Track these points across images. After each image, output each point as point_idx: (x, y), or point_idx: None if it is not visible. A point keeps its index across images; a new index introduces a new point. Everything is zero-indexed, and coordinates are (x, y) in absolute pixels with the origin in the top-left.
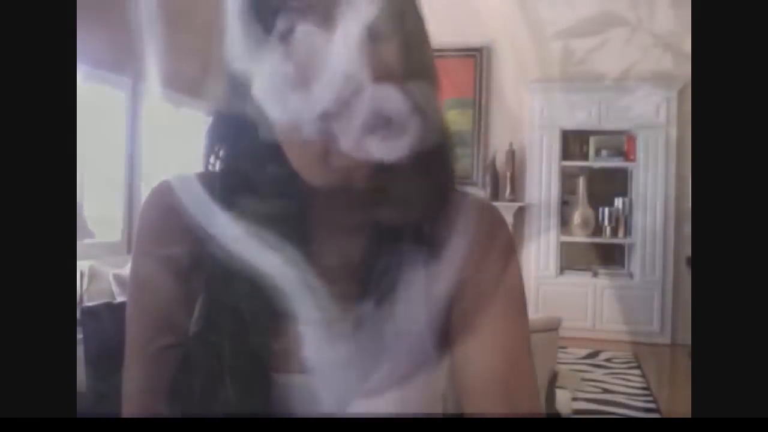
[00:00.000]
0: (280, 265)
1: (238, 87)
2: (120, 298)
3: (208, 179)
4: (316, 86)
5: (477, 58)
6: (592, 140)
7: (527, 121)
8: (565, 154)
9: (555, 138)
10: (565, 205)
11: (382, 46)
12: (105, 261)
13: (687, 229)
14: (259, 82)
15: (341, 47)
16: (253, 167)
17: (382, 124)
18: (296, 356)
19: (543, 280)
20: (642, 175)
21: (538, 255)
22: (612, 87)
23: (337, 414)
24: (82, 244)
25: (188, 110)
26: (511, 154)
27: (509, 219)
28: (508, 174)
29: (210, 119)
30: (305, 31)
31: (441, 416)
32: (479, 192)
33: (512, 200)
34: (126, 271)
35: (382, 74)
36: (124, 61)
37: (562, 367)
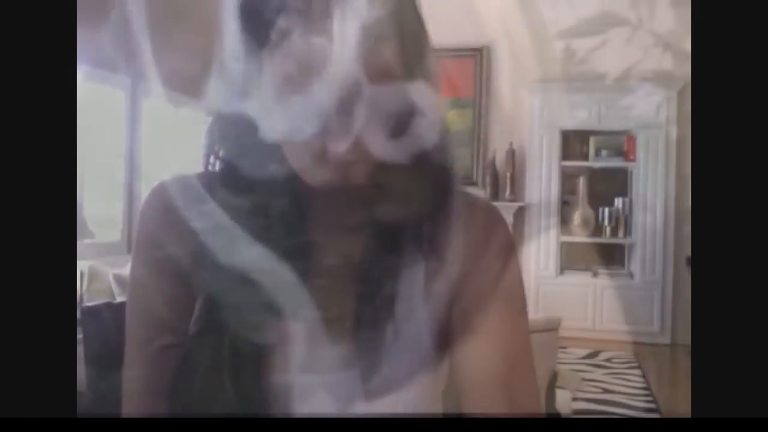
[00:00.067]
0: (277, 265)
1: (238, 87)
2: (120, 298)
3: (208, 179)
4: (316, 86)
5: (477, 58)
6: (592, 140)
7: (527, 121)
8: (565, 154)
9: (555, 138)
10: (565, 205)
11: (382, 46)
12: (105, 261)
13: (687, 229)
14: (262, 91)
15: (340, 47)
16: (253, 167)
17: (381, 123)
18: (296, 356)
19: (543, 280)
20: (642, 175)
21: (538, 255)
22: (612, 87)
23: (337, 414)
24: (82, 244)
25: (188, 110)
26: (511, 154)
27: (509, 219)
28: (508, 174)
29: (210, 119)
30: (305, 30)
31: (441, 416)
32: (479, 192)
33: (512, 200)
34: (126, 271)
35: (381, 74)
36: (124, 61)
37: (562, 367)
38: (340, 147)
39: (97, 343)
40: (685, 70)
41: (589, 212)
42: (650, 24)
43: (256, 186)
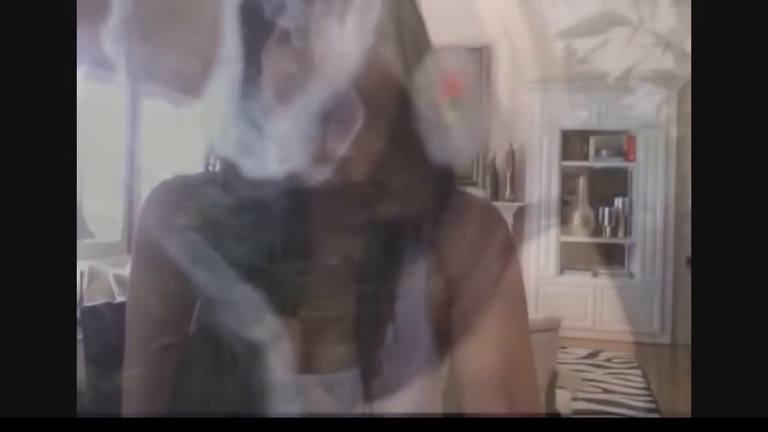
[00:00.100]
0: (277, 264)
1: (238, 87)
2: (120, 298)
3: (208, 179)
4: (315, 86)
5: (477, 57)
6: (592, 140)
7: (527, 121)
8: (565, 154)
9: (555, 138)
10: (565, 205)
11: (382, 46)
12: (105, 261)
13: (687, 229)
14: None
15: (340, 47)
16: (253, 167)
17: (381, 123)
18: (296, 356)
19: (543, 280)
20: (642, 175)
21: (538, 255)
22: (612, 87)
23: (337, 414)
24: (82, 244)
25: (188, 110)
26: (511, 154)
27: (509, 219)
28: (508, 174)
29: (210, 119)
30: (305, 30)
31: (441, 416)
32: (479, 192)
33: (512, 200)
34: (126, 270)
35: (381, 75)
36: (124, 61)
37: (562, 367)
38: (339, 147)
39: (97, 343)
40: (686, 69)
41: (589, 212)
42: (651, 23)
43: (256, 186)
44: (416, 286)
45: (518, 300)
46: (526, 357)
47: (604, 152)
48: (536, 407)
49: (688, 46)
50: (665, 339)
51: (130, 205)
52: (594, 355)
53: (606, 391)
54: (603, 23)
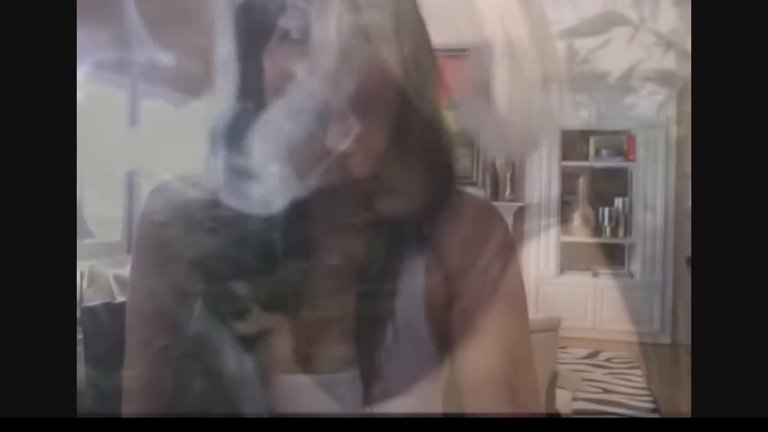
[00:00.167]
0: (276, 264)
1: (238, 86)
2: (120, 298)
3: (208, 179)
4: (315, 86)
5: (477, 57)
6: (592, 140)
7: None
8: (565, 154)
9: (555, 138)
10: (565, 205)
11: (382, 46)
12: (105, 261)
13: (687, 229)
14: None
15: (339, 48)
16: (253, 167)
17: (380, 124)
18: (297, 356)
19: (543, 280)
20: (642, 174)
21: (538, 255)
22: (612, 86)
23: (338, 414)
24: (82, 244)
25: (189, 110)
26: None
27: (509, 219)
28: (508, 174)
29: (211, 119)
30: (305, 31)
31: (441, 416)
32: (479, 192)
33: (512, 200)
34: (126, 271)
35: (380, 75)
36: (124, 61)
37: (562, 367)
38: (339, 147)
39: (97, 343)
40: (688, 69)
41: (589, 212)
42: (653, 23)
43: (256, 186)
44: (415, 283)
45: (518, 300)
46: (527, 357)
47: (604, 152)
48: (537, 407)
49: (689, 45)
50: (665, 339)
51: (130, 205)
52: (594, 355)
53: (606, 391)
54: (604, 23)
